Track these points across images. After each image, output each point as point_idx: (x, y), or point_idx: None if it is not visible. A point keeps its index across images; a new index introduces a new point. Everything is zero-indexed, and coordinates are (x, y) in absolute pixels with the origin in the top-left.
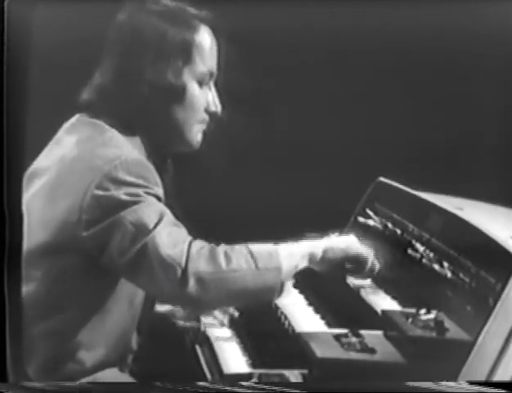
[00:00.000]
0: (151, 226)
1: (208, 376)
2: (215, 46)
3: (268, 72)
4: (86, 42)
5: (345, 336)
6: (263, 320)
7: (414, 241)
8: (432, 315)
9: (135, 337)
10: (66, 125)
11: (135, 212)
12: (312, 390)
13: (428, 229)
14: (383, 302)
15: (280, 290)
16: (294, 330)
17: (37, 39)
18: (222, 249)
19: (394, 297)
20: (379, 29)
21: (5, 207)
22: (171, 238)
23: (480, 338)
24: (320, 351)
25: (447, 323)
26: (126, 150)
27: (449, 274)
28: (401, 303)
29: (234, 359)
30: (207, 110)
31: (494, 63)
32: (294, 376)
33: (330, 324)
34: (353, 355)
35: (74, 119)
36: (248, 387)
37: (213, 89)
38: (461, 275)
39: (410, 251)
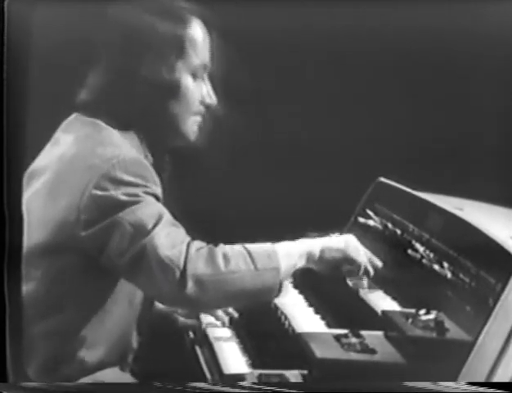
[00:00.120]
0: (150, 227)
1: (208, 376)
2: (207, 38)
3: (268, 72)
4: (86, 42)
5: (345, 336)
6: (263, 320)
7: (414, 242)
8: (432, 316)
9: (135, 336)
10: (63, 125)
11: (133, 213)
12: (312, 390)
13: (428, 229)
14: (383, 302)
15: (278, 290)
16: (294, 330)
17: (37, 39)
18: (220, 250)
19: (394, 298)
20: (378, 29)
21: (5, 207)
22: (169, 239)
23: (480, 338)
24: (320, 352)
25: (447, 324)
26: (124, 148)
27: (449, 274)
28: (401, 303)
29: (234, 359)
30: (202, 103)
31: (494, 63)
32: (293, 376)
33: (330, 325)
34: (353, 356)
35: (71, 119)
36: (248, 388)
37: (207, 81)
38: (461, 275)
39: (410, 252)
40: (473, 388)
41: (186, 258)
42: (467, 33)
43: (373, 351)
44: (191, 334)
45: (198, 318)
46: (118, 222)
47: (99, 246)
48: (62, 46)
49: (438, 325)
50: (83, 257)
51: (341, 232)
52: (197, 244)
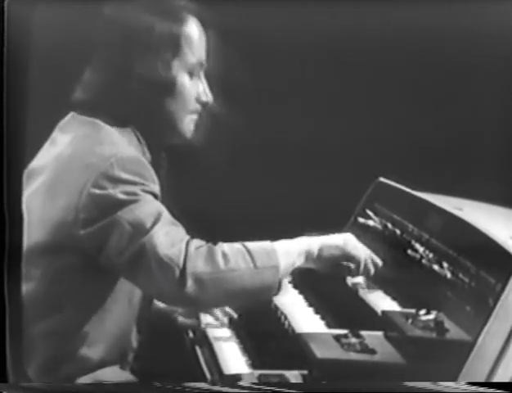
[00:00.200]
0: (149, 225)
1: (208, 376)
2: (204, 37)
3: (268, 71)
4: (86, 42)
5: (345, 336)
6: (263, 320)
7: (413, 242)
8: (432, 316)
9: (135, 335)
10: (61, 124)
11: (132, 211)
12: (312, 390)
13: (428, 229)
14: (383, 303)
15: (277, 288)
16: (293, 330)
17: (37, 39)
18: (219, 248)
19: (394, 298)
20: (379, 29)
21: (5, 207)
22: (168, 238)
23: (480, 338)
24: (320, 352)
25: (447, 324)
26: (122, 147)
27: (449, 275)
28: (401, 303)
29: (234, 359)
30: (198, 101)
31: (494, 63)
32: (293, 376)
33: (329, 325)
34: (353, 356)
35: (67, 118)
36: (247, 388)
37: (203, 79)
38: (461, 275)
39: (409, 252)
40: (473, 388)
41: (185, 256)
42: (467, 33)
43: (373, 351)
44: (191, 334)
45: (197, 318)
46: (116, 221)
47: (98, 245)
48: (62, 46)
49: (438, 325)
50: (82, 256)
51: (341, 232)
52: (196, 242)
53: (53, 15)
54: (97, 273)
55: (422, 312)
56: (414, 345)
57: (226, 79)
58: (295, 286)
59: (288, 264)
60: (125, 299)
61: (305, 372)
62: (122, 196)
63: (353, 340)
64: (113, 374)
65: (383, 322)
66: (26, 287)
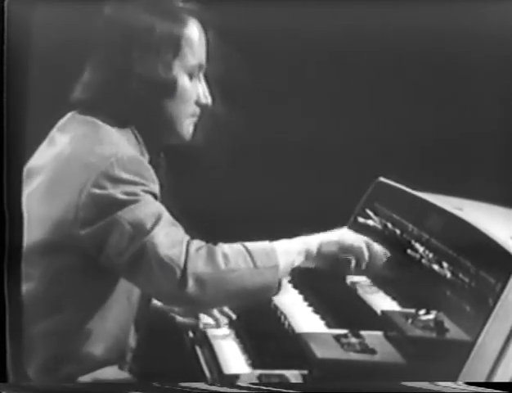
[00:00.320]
0: (149, 226)
1: (208, 376)
2: (203, 38)
3: (268, 72)
4: (86, 42)
5: (345, 336)
6: (263, 320)
7: (413, 242)
8: (431, 316)
9: (133, 334)
10: (60, 123)
11: (132, 212)
12: (312, 390)
13: (428, 229)
14: (382, 303)
15: (277, 288)
16: (293, 330)
17: (37, 39)
18: (219, 249)
19: (394, 298)
20: (379, 29)
21: (5, 207)
22: (169, 238)
23: (480, 338)
24: (320, 352)
25: (447, 324)
26: (121, 147)
27: (449, 274)
28: (400, 303)
29: (234, 359)
30: (197, 103)
31: (494, 63)
32: (293, 376)
33: (329, 325)
34: (353, 356)
35: (66, 118)
36: (247, 388)
37: (202, 81)
38: (461, 275)
39: (409, 252)
40: (473, 388)
41: (186, 257)
42: (467, 33)
43: (373, 351)
44: (191, 334)
45: (197, 318)
46: (117, 221)
47: (98, 245)
48: (62, 46)
49: (438, 325)
50: (82, 256)
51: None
52: (196, 243)
53: (53, 15)
54: (97, 273)
55: (422, 312)
56: (414, 345)
57: (226, 80)
58: (295, 286)
59: (287, 264)
60: (124, 298)
61: (305, 372)
62: (122, 197)
63: (353, 340)
64: (112, 374)
65: (383, 322)
66: (26, 287)
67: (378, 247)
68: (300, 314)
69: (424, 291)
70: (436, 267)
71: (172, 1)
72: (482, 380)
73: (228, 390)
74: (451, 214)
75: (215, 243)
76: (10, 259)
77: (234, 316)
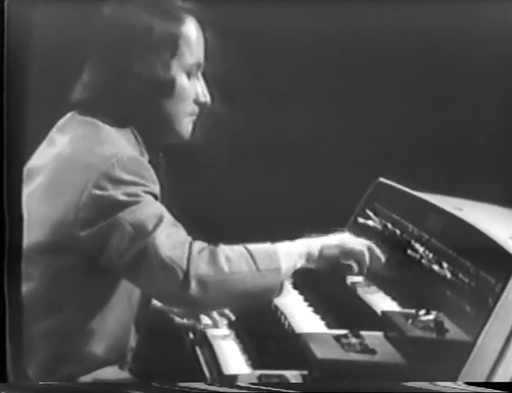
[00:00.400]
0: (151, 227)
1: (208, 376)
2: (201, 36)
3: (268, 72)
4: (86, 42)
5: (345, 336)
6: (263, 321)
7: (413, 242)
8: (431, 316)
9: (133, 334)
10: (59, 124)
11: (133, 213)
12: (312, 390)
13: (428, 230)
14: (383, 303)
15: (279, 290)
16: (294, 331)
17: (37, 39)
18: (222, 250)
19: (394, 298)
20: (379, 29)
21: (5, 207)
22: (170, 240)
23: (480, 339)
24: (320, 352)
25: (447, 324)
26: (121, 147)
27: (448, 275)
28: (400, 304)
29: (234, 359)
30: (196, 101)
31: (494, 63)
32: (293, 377)
33: (329, 325)
34: (353, 356)
35: (66, 118)
36: (247, 388)
37: (201, 80)
38: (461, 275)
39: (409, 252)
40: (473, 388)
41: (188, 258)
42: (467, 33)
43: (373, 351)
44: (191, 334)
45: (198, 319)
46: (117, 222)
47: (98, 246)
48: (62, 46)
49: (438, 325)
50: (83, 257)
51: (341, 232)
52: (199, 245)
53: (53, 15)
54: (97, 273)
55: (422, 312)
56: (414, 345)
57: (225, 79)
58: (295, 287)
59: (289, 266)
60: (125, 298)
61: (305, 372)
62: (123, 198)
63: (353, 340)
64: (112, 374)
65: (383, 322)
66: (26, 287)
67: (379, 251)
68: (300, 315)
69: (424, 291)
70: (436, 267)
71: (172, 0)
72: (482, 380)
73: (228, 390)
74: (451, 215)
75: (215, 243)
76: (10, 259)
77: (233, 317)
